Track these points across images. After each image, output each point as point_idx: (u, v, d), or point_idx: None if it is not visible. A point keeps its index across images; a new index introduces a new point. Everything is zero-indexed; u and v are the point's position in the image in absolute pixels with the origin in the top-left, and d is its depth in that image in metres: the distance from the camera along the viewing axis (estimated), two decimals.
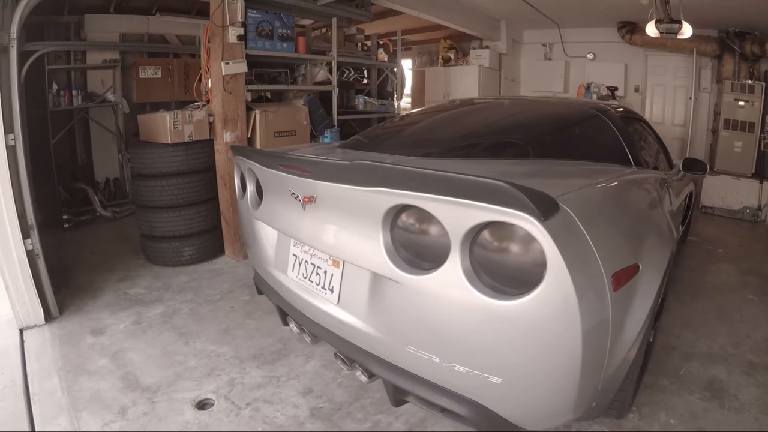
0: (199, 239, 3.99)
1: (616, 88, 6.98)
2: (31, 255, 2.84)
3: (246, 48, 3.95)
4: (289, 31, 4.27)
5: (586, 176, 1.84)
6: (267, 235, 2.15)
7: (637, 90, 7.12)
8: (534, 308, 1.24)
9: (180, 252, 3.94)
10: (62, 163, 5.22)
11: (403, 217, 1.52)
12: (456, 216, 1.31)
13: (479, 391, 1.42)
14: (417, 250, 1.50)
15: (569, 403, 1.38)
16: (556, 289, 1.21)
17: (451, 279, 1.35)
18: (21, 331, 2.78)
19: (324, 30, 4.98)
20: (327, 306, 1.79)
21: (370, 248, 1.55)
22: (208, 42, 3.96)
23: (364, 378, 1.79)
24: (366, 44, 6.00)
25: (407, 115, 3.39)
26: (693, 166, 3.24)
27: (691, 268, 3.96)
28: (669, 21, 4.72)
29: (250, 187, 2.24)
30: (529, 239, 1.24)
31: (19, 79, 2.89)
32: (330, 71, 4.86)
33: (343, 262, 1.73)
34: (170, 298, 3.31)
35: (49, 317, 2.91)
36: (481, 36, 7.10)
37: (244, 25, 3.89)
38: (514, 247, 1.31)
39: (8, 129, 2.72)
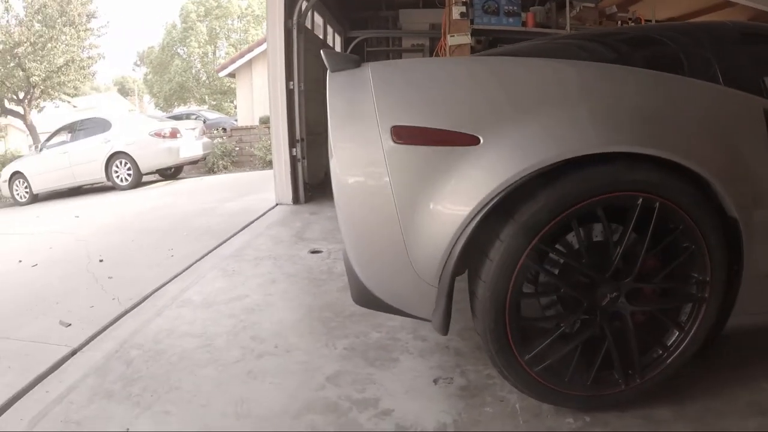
0: None
1: None
2: (293, 159, 4.37)
3: (473, 24, 4.51)
4: (515, 8, 4.57)
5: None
6: None
7: None
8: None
9: None
10: None
11: None
12: None
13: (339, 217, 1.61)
14: None
15: (359, 257, 1.45)
16: (331, 129, 1.43)
17: None
18: (276, 204, 4.38)
19: (578, 9, 4.96)
20: None
21: None
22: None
23: None
24: (626, 22, 5.45)
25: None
26: None
27: None
28: None
29: None
30: None
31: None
32: None
33: None
34: None
35: (296, 201, 4.43)
36: None
37: (465, 4, 4.45)
38: None
39: (289, 78, 4.27)
